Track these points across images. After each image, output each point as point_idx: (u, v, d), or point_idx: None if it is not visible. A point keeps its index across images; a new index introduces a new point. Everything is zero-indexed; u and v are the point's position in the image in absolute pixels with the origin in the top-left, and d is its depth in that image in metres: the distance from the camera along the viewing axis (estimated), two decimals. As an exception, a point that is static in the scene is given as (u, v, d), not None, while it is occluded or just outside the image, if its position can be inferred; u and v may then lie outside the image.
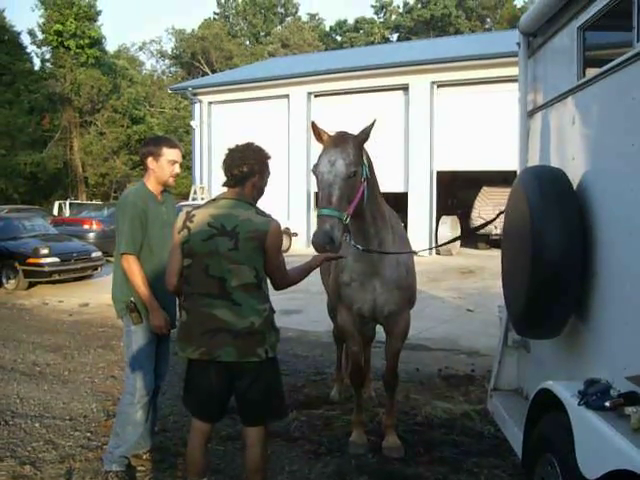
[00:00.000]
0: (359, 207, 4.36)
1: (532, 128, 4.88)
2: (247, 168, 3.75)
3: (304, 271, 4.10)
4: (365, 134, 4.39)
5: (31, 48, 43.28)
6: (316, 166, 4.32)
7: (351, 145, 4.30)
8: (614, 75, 3.28)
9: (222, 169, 3.86)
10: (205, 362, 3.70)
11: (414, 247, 5.41)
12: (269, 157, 3.90)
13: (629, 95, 3.10)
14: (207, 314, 3.64)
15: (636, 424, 2.56)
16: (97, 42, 42.37)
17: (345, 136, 4.40)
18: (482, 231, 21.21)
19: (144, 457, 4.90)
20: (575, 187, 3.72)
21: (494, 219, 5.65)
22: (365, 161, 4.43)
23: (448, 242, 5.88)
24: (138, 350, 4.53)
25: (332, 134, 4.48)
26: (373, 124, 4.39)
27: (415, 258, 5.36)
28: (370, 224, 4.67)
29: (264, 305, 3.72)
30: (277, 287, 3.93)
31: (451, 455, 5.15)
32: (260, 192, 3.88)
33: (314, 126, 4.48)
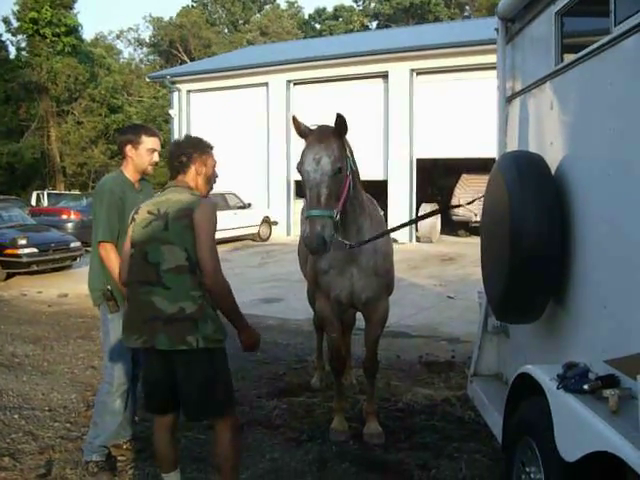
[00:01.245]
0: (345, 201, 4.39)
1: (511, 114, 4.88)
2: (185, 157, 3.79)
3: (237, 312, 3.82)
4: (341, 125, 4.38)
5: (6, 36, 42.66)
6: (301, 164, 4.33)
7: (333, 140, 4.31)
8: (591, 60, 3.29)
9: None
10: (148, 351, 3.68)
11: (395, 235, 5.43)
12: (210, 146, 3.93)
13: (606, 80, 3.11)
14: (145, 302, 3.58)
15: (614, 406, 2.58)
16: (73, 30, 41.82)
17: (326, 130, 4.41)
18: (462, 218, 21.37)
19: (124, 447, 4.88)
20: (553, 172, 3.73)
21: (472, 202, 5.71)
22: (349, 153, 4.44)
23: (426, 216, 5.95)
24: (115, 339, 4.50)
25: (313, 128, 4.48)
26: (341, 116, 4.37)
27: (395, 245, 5.37)
28: (349, 212, 4.67)
29: (199, 292, 3.58)
30: (208, 279, 3.56)
31: (432, 441, 5.18)
32: (207, 180, 3.89)
33: (294, 120, 4.47)
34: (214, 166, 3.92)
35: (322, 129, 4.44)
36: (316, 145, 4.30)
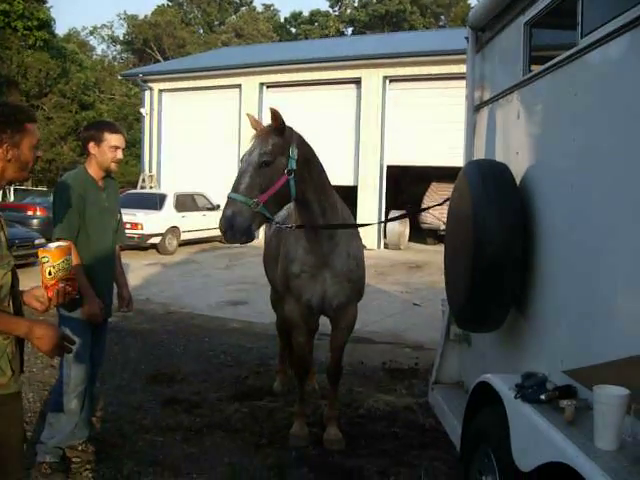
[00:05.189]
0: (280, 198, 4.41)
1: (478, 123, 4.91)
2: None
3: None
4: (274, 120, 4.40)
5: (-24, 29, 42.05)
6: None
7: (270, 136, 4.39)
8: (558, 71, 3.31)
9: None
10: None
11: (363, 241, 5.45)
12: (28, 118, 2.88)
13: (571, 91, 3.12)
14: None
15: (570, 417, 2.59)
16: (46, 24, 41.17)
17: (267, 127, 4.49)
18: (430, 226, 21.52)
19: (79, 448, 4.79)
20: (518, 182, 3.75)
21: (442, 203, 5.67)
22: (294, 154, 4.42)
23: (394, 219, 6.02)
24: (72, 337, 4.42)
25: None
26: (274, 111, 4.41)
27: (364, 251, 5.37)
28: (319, 215, 4.68)
29: None
30: None
31: (392, 448, 5.17)
32: (22, 166, 2.85)
33: (249, 117, 4.70)
34: (33, 146, 2.87)
35: (265, 126, 4.54)
36: (253, 139, 4.46)
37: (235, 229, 4.16)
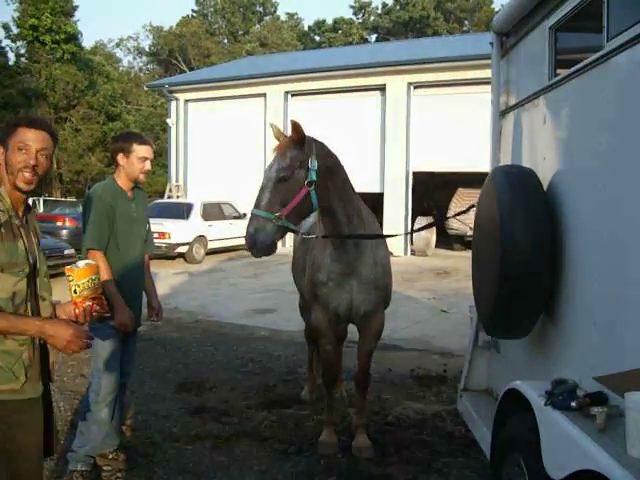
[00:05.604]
0: (303, 209, 4.43)
1: (504, 128, 4.89)
2: None
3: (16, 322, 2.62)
4: (294, 131, 4.38)
5: (5, 42, 42.57)
6: None
7: (288, 148, 4.38)
8: (584, 75, 3.29)
9: None
10: None
11: (390, 248, 5.44)
12: (14, 123, 2.83)
13: (599, 95, 3.10)
14: None
15: (601, 424, 2.56)
16: (73, 37, 41.78)
17: (285, 139, 4.48)
18: (457, 232, 21.40)
19: (110, 456, 4.82)
20: (545, 187, 3.72)
21: (466, 210, 5.63)
22: (313, 165, 4.39)
23: (421, 229, 6.00)
24: (103, 348, 4.46)
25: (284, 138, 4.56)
26: (294, 123, 4.38)
27: (390, 258, 5.36)
28: (344, 224, 4.68)
29: None
30: None
31: (421, 455, 5.14)
32: (11, 169, 2.79)
33: (274, 128, 4.64)
34: (18, 147, 2.78)
35: (283, 138, 4.52)
36: (274, 153, 4.45)
37: (259, 245, 4.25)
